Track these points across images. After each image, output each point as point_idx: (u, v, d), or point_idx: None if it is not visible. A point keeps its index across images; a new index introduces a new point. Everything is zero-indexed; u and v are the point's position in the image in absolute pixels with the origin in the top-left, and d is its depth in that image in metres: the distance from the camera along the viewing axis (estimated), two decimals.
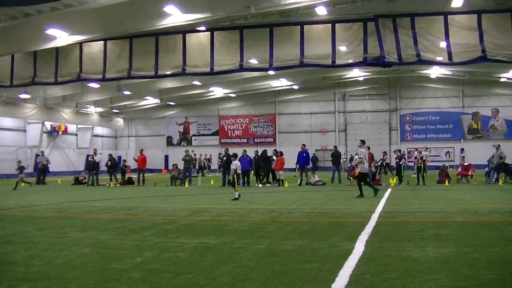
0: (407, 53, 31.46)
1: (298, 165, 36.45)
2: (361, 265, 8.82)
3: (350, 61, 33.86)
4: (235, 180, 24.02)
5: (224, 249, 10.55)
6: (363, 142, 25.36)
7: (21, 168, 37.89)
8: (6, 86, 41.05)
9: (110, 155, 43.07)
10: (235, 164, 24.39)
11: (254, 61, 34.70)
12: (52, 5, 29.49)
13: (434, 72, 60.24)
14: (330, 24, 32.99)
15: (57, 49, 36.35)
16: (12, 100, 57.08)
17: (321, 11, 31.72)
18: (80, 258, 9.89)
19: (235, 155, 25.64)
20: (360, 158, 24.12)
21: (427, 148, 46.46)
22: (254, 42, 34.06)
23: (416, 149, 45.53)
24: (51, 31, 31.34)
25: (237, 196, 23.30)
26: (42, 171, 44.81)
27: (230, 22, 34.96)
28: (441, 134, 69.13)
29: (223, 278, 8.02)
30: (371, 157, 34.05)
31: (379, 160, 35.72)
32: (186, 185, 36.83)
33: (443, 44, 31.14)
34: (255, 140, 73.52)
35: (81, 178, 43.76)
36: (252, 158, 36.62)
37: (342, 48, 33.04)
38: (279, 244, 10.99)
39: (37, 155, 54.72)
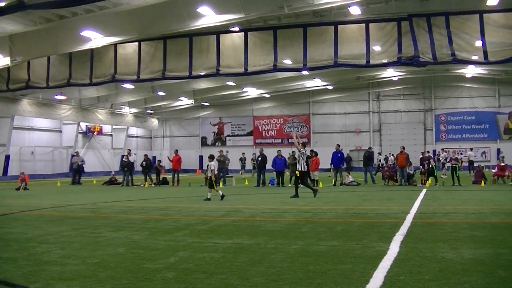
0: (442, 53, 31.22)
1: (332, 165, 36.32)
2: (395, 266, 8.76)
3: (384, 61, 33.69)
4: (214, 180, 24.22)
5: (257, 250, 10.55)
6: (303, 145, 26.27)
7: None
8: (42, 88, 41.55)
9: (145, 155, 43.36)
10: (213, 165, 24.61)
11: (288, 62, 34.68)
12: (87, 7, 29.77)
13: (469, 71, 59.63)
14: (364, 24, 32.87)
15: (91, 50, 36.69)
16: (48, 101, 57.75)
17: (355, 10, 31.60)
18: (114, 257, 9.95)
19: (211, 157, 25.75)
20: (297, 157, 25.10)
21: (471, 149, 46.09)
22: (288, 42, 34.04)
23: (452, 149, 45.19)
24: (86, 33, 31.64)
25: (209, 197, 23.62)
26: (77, 171, 45.19)
27: (263, 22, 34.97)
28: (476, 134, 68.28)
29: (257, 279, 8.02)
30: (406, 158, 33.90)
31: (425, 162, 34.92)
32: (221, 185, 36.85)
33: (478, 43, 30.82)
34: (290, 140, 73.38)
35: (112, 178, 44.00)
36: (286, 158, 36.50)
37: (376, 48, 32.90)
38: (312, 245, 10.97)
39: (72, 156, 55.13)
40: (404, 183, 34.03)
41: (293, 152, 35.05)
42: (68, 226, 14.82)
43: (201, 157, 76.69)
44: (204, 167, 47.22)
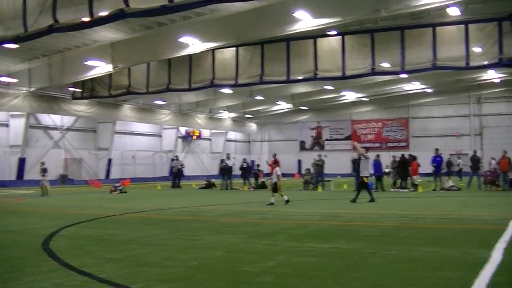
0: None
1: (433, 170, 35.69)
2: (498, 275, 8.56)
3: (485, 62, 32.86)
4: (278, 185, 24.34)
5: (355, 255, 10.54)
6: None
7: (43, 170, 35.83)
8: (142, 93, 42.55)
9: (244, 158, 43.82)
10: (278, 170, 24.72)
11: (385, 65, 34.32)
12: (185, 14, 30.25)
13: None
14: (463, 25, 32.18)
15: (190, 56, 37.27)
16: (148, 106, 59.07)
17: (454, 11, 30.87)
18: (213, 261, 10.11)
19: (276, 162, 25.75)
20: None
21: None
22: (385, 45, 33.72)
23: None
24: (184, 39, 32.16)
25: (272, 202, 23.55)
26: (177, 175, 46.01)
27: (360, 26, 34.67)
28: None
29: (353, 284, 8.02)
30: (508, 163, 32.96)
31: None
32: (319, 189, 36.79)
33: None
34: (388, 144, 72.60)
35: (207, 183, 44.51)
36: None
37: (476, 49, 32.17)
38: (410, 251, 10.88)
39: (172, 160, 56.19)
40: (507, 189, 33.11)
41: (393, 156, 34.73)
42: (168, 229, 15.16)
43: (299, 161, 76.67)
44: (303, 171, 47.15)
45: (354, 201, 23.84)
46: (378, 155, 36.09)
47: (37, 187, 40.92)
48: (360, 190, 24.77)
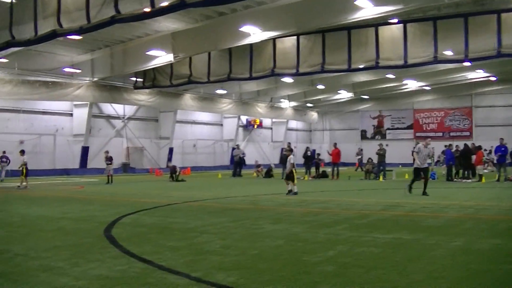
0: None
1: (496, 160, 35.08)
2: None
3: None
4: (294, 173, 24.01)
5: (417, 246, 10.41)
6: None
7: (109, 159, 36.19)
8: (203, 83, 42.70)
9: (307, 147, 43.93)
10: (292, 159, 24.47)
11: (448, 53, 33.71)
12: (245, 3, 30.20)
13: None
14: None
15: (251, 45, 37.23)
16: (209, 95, 59.37)
17: None
18: (273, 249, 10.10)
19: (290, 150, 25.98)
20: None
21: None
22: (448, 33, 33.07)
23: None
24: (245, 28, 32.14)
25: (295, 191, 23.61)
26: (238, 164, 46.18)
27: (422, 13, 34.15)
28: None
29: (416, 275, 7.91)
30: None
31: None
32: (380, 179, 36.53)
33: None
34: (451, 134, 71.56)
35: (259, 170, 44.79)
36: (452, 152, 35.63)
37: None
38: (474, 243, 10.69)
39: (233, 149, 56.41)
40: None
41: (457, 146, 34.27)
42: (228, 217, 15.20)
43: (360, 151, 76.29)
44: (364, 161, 46.89)
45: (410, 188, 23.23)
46: (450, 145, 35.69)
47: (100, 176, 41.65)
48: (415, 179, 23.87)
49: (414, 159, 23.07)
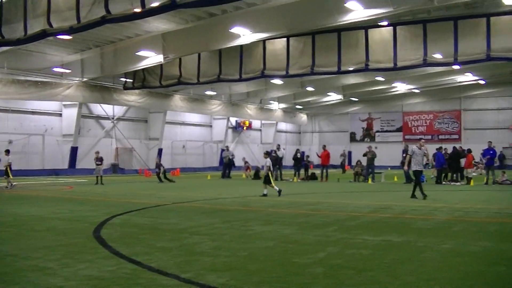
0: None
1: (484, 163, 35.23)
2: None
3: None
4: (270, 176, 24.31)
5: (407, 248, 10.43)
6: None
7: (100, 159, 35.88)
8: (193, 84, 42.72)
9: (297, 149, 44.12)
10: (268, 161, 24.65)
11: (438, 56, 33.80)
12: (236, 5, 30.27)
13: None
14: None
15: (241, 46, 37.23)
16: (199, 96, 59.43)
17: (509, 0, 30.25)
18: (264, 251, 10.10)
19: (267, 153, 26.38)
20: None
21: None
22: (438, 36, 33.13)
23: None
24: (235, 30, 32.17)
25: (265, 193, 23.85)
26: (227, 165, 46.13)
27: (412, 16, 34.27)
28: None
29: (407, 277, 7.92)
30: None
31: None
32: (369, 181, 36.62)
33: None
34: (439, 136, 71.82)
35: (248, 171, 44.92)
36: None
37: None
38: (464, 245, 10.71)
39: (222, 150, 56.40)
40: None
41: (445, 149, 34.40)
42: (219, 219, 15.20)
43: (350, 153, 76.38)
44: (353, 163, 47.01)
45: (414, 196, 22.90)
46: (441, 147, 35.83)
47: (89, 176, 41.54)
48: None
49: (406, 163, 22.87)
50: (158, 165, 38.53)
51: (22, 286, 7.39)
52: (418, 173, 22.58)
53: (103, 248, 10.35)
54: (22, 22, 24.81)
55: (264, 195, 23.71)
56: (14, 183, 30.11)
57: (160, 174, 37.56)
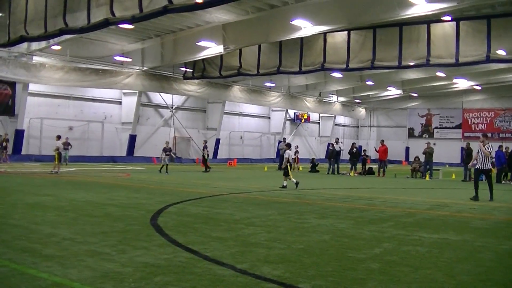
0: None
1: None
2: None
3: None
4: (288, 168, 24.23)
5: (464, 247, 10.26)
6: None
7: (168, 150, 36.10)
8: (253, 75, 42.82)
9: (353, 143, 43.85)
10: (288, 153, 24.72)
11: (501, 52, 33.19)
12: None
13: None
14: None
15: (301, 39, 37.15)
16: (258, 88, 59.53)
17: None
18: (319, 244, 10.04)
19: (288, 145, 26.64)
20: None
21: None
22: (502, 31, 32.53)
23: None
24: (296, 22, 32.07)
25: (285, 185, 23.95)
26: (284, 157, 46.08)
27: (476, 11, 33.69)
28: None
29: (463, 277, 7.79)
30: None
31: None
32: (427, 178, 36.21)
33: None
34: (500, 135, 70.65)
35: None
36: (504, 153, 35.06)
37: None
38: None
39: (279, 142, 56.40)
40: None
41: (506, 147, 33.80)
42: (274, 210, 15.19)
43: (407, 149, 75.72)
44: (411, 159, 46.53)
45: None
46: (501, 146, 35.23)
47: (147, 164, 41.94)
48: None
49: (483, 160, 20.82)
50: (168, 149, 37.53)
51: (79, 270, 7.47)
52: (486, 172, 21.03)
53: (159, 236, 10.42)
54: (85, 11, 25.16)
55: (284, 186, 23.82)
56: (57, 170, 30.11)
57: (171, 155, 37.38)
